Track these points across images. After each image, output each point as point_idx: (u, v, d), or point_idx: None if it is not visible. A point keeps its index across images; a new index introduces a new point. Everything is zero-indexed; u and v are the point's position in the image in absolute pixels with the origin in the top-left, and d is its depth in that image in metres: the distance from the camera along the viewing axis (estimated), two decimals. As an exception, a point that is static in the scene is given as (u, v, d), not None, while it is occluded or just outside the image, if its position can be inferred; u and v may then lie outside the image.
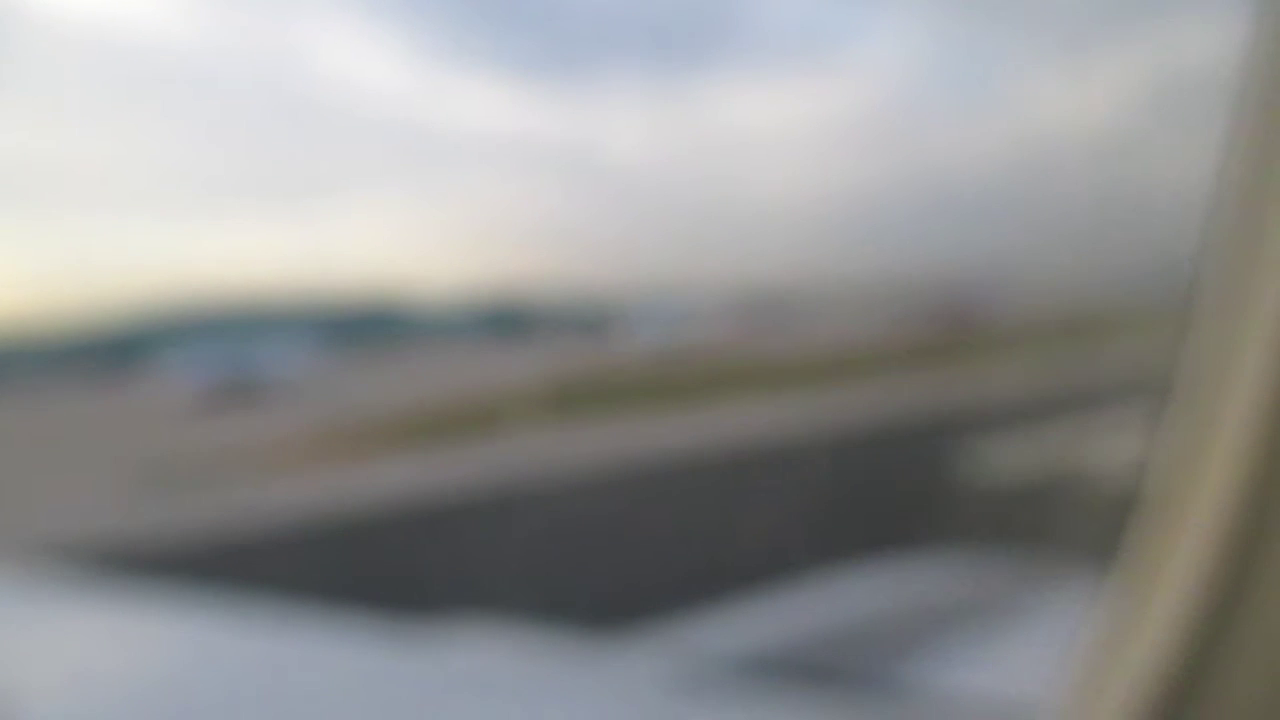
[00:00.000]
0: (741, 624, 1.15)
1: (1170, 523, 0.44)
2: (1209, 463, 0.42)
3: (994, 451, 5.35)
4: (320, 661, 1.01)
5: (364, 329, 8.74)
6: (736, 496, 5.16)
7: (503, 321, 9.01)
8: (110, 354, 7.93)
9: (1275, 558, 0.40)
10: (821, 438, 6.36)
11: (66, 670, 0.98)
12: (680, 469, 5.84)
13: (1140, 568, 0.45)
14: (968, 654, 1.06)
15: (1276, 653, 0.40)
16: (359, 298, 8.40)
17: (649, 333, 9.03)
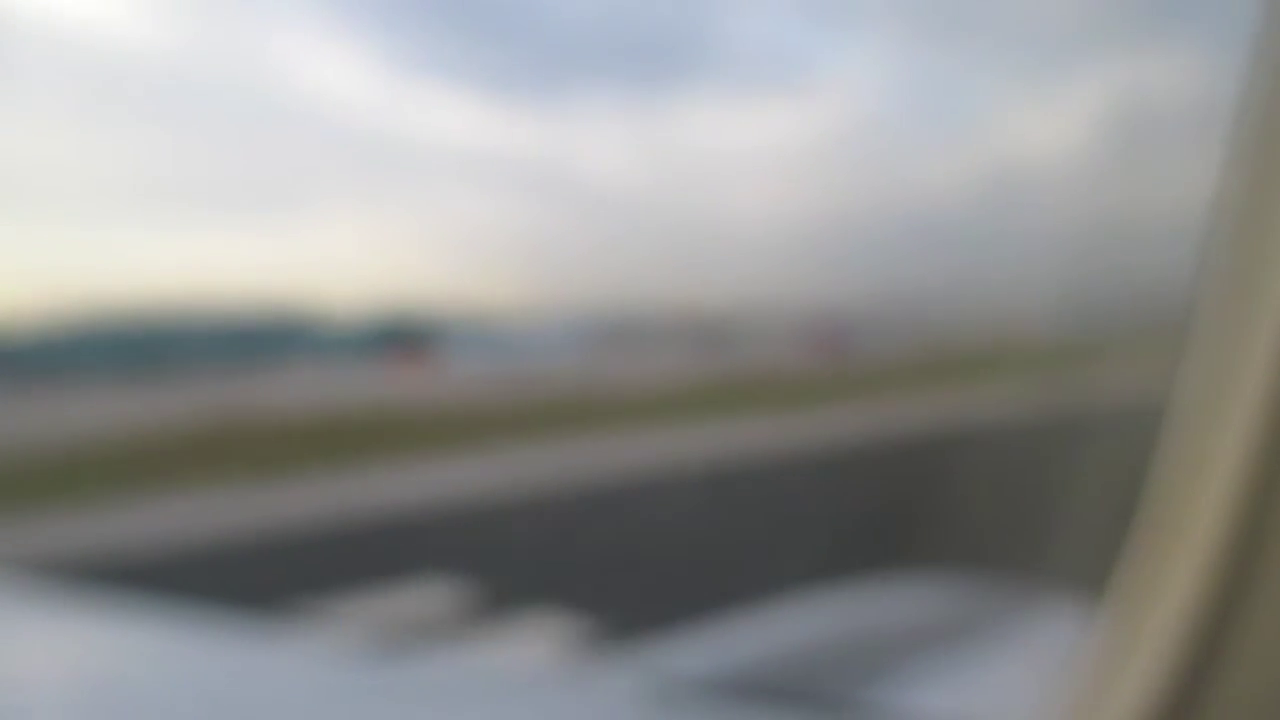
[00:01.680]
0: (711, 644, 1.14)
1: (1165, 547, 0.43)
2: (1205, 485, 0.42)
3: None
4: (283, 672, 1.00)
5: (244, 343, 8.61)
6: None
7: (390, 339, 8.95)
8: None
9: (1272, 582, 0.40)
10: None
11: (21, 677, 0.96)
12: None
13: (1133, 592, 0.44)
14: (942, 677, 1.05)
15: (1272, 679, 0.40)
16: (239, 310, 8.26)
17: (482, 360, 8.68)
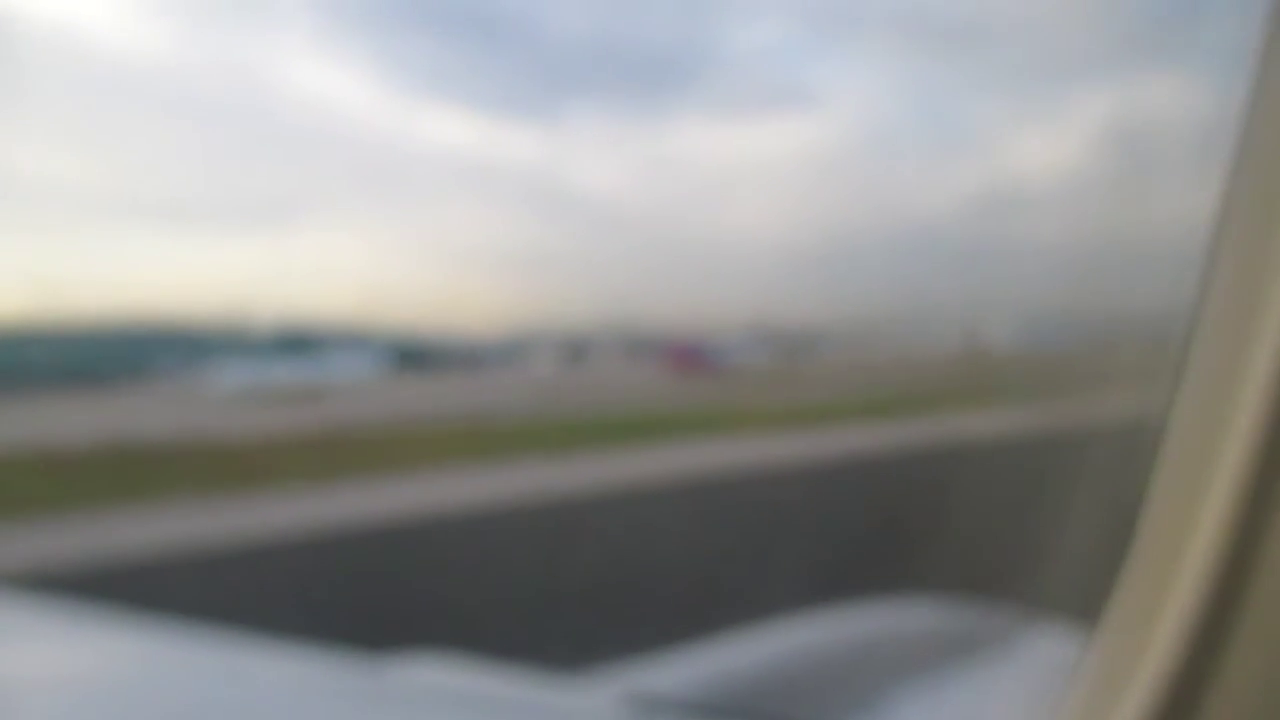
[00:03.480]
0: (685, 667, 1.13)
1: (1157, 571, 0.43)
2: (1197, 511, 0.41)
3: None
4: (262, 685, 0.99)
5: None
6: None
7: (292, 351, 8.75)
8: None
9: (1263, 607, 0.39)
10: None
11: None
12: None
13: (1125, 616, 0.44)
14: (930, 701, 1.05)
15: (1261, 701, 0.40)
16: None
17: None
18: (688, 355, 9.73)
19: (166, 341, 8.56)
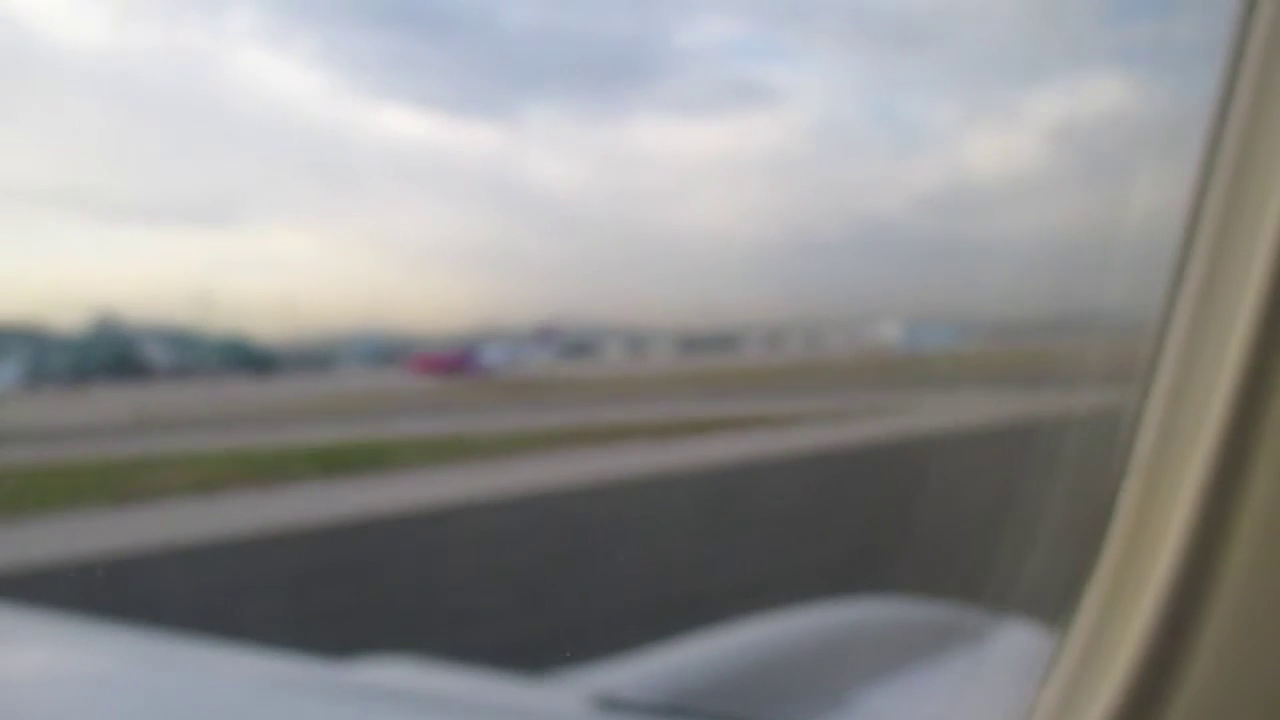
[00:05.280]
0: (652, 668, 1.13)
1: (1124, 572, 0.43)
2: (1165, 511, 0.41)
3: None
4: (234, 686, 0.98)
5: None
6: None
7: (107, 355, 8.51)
8: None
9: (1227, 602, 0.39)
10: None
11: None
12: None
13: (1093, 616, 0.44)
14: (897, 701, 1.05)
15: (1226, 700, 0.40)
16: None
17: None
18: (441, 361, 9.73)
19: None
